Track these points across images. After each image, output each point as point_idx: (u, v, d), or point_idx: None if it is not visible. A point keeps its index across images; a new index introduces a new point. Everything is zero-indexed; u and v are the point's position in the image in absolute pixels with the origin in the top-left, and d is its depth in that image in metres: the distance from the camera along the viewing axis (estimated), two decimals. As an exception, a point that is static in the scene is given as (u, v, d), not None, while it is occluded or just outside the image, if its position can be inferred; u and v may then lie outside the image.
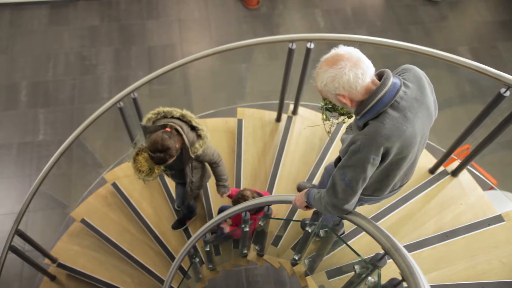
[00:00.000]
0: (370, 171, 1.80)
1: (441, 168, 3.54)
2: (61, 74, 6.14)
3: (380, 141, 1.71)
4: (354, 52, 1.72)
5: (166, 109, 2.89)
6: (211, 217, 3.89)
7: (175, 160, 2.82)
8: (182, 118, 2.89)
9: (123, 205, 4.10)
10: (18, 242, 3.32)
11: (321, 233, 2.60)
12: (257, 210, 3.27)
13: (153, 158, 2.70)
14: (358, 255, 2.21)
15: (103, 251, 4.01)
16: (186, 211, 3.82)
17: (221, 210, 3.70)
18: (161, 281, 3.83)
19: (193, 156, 2.87)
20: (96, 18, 6.72)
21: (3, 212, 5.11)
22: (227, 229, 3.51)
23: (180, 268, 3.69)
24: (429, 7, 6.97)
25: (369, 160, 1.75)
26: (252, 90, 6.08)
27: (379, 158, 1.77)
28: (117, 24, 6.69)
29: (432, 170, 3.55)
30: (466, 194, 3.40)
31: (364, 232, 3.24)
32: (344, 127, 3.75)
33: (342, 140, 2.11)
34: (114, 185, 4.15)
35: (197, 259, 3.45)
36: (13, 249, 3.26)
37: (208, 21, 6.75)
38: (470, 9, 7.04)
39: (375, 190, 2.12)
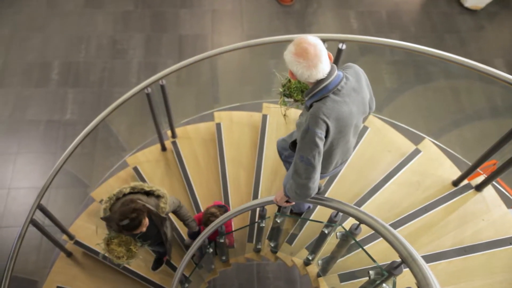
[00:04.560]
0: (321, 144, 2.11)
1: (465, 181, 3.47)
2: (92, 56, 6.23)
3: (322, 117, 2.06)
4: (318, 53, 2.00)
5: (115, 191, 2.94)
6: (183, 240, 3.98)
7: (148, 228, 2.87)
8: (133, 191, 2.94)
9: (143, 190, 4.14)
10: (39, 216, 3.40)
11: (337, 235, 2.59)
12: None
13: (126, 225, 2.67)
14: (374, 261, 2.19)
15: (119, 233, 4.07)
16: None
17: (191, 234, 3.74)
18: (174, 268, 3.87)
19: (164, 215, 2.95)
20: (130, 4, 6.80)
21: (28, 185, 5.24)
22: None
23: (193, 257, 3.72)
24: (466, 16, 6.80)
25: (317, 134, 2.07)
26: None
27: (324, 133, 2.09)
28: (150, 10, 6.75)
29: (455, 183, 3.48)
30: (489, 210, 3.32)
31: (379, 239, 3.23)
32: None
33: (298, 125, 2.42)
34: (136, 169, 4.20)
35: (211, 250, 3.48)
36: (34, 222, 3.33)
37: (240, 14, 6.75)
38: (510, 21, 6.84)
39: (322, 168, 2.34)
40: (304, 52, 2.00)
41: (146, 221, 2.73)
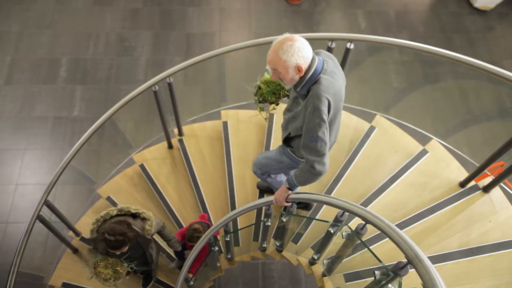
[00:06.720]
0: (327, 121, 2.29)
1: (472, 183, 3.45)
2: (100, 53, 6.26)
3: (323, 95, 2.24)
4: (297, 35, 2.27)
5: (102, 213, 2.99)
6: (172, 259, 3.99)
7: (134, 250, 2.98)
8: (120, 213, 3.00)
9: (149, 187, 4.16)
10: (45, 212, 3.42)
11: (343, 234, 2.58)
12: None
13: (110, 242, 2.72)
14: (380, 261, 2.19)
15: (125, 230, 4.08)
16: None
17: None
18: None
19: (150, 237, 3.02)
20: (139, 1, 6.81)
21: (35, 181, 5.27)
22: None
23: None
24: (476, 16, 6.75)
25: (323, 111, 2.25)
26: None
27: (327, 109, 2.27)
28: (159, 8, 6.76)
29: (462, 184, 3.46)
30: (496, 212, 3.30)
31: (385, 240, 3.22)
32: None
33: (287, 120, 2.65)
34: (142, 166, 4.22)
35: (216, 248, 3.48)
36: (40, 218, 3.35)
37: (249, 13, 6.75)
38: (520, 22, 6.79)
39: None
40: (291, 37, 2.23)
41: (126, 247, 2.81)
